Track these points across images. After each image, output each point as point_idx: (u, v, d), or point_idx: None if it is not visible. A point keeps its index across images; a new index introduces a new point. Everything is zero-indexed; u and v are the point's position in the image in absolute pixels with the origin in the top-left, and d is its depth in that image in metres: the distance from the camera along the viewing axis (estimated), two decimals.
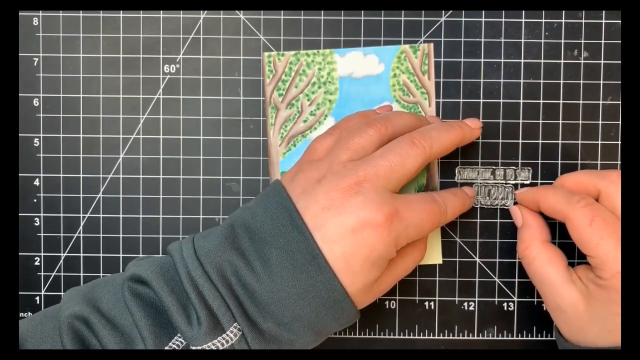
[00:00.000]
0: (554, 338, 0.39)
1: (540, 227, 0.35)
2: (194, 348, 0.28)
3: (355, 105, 0.39)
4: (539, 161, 0.38)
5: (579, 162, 0.38)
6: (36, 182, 0.39)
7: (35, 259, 0.39)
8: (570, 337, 0.33)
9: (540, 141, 0.38)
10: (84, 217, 0.39)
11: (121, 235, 0.39)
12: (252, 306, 0.29)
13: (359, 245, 0.29)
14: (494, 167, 0.39)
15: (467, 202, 0.36)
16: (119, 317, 0.29)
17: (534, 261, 0.34)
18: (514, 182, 0.38)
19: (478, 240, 0.39)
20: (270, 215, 0.31)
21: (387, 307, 0.39)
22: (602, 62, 0.38)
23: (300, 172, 0.32)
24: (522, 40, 0.38)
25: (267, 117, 0.39)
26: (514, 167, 0.38)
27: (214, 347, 0.28)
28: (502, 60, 0.38)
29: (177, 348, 0.29)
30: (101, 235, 0.39)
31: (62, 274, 0.39)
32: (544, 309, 0.39)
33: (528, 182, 0.38)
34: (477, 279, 0.39)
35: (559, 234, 0.38)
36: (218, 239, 0.30)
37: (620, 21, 0.38)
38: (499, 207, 0.39)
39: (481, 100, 0.38)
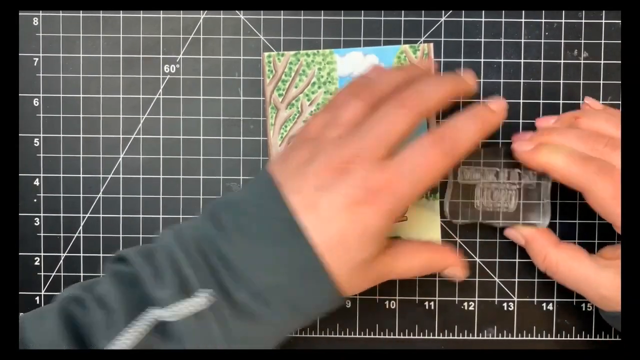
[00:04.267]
0: (553, 338, 0.39)
1: (545, 234, 0.35)
2: (166, 315, 0.28)
3: None
4: None
5: None
6: (36, 182, 0.39)
7: (35, 259, 0.39)
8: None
9: None
10: (84, 217, 0.39)
11: (121, 235, 0.39)
12: (225, 273, 0.29)
13: (352, 222, 0.29)
14: (497, 169, 0.38)
15: (488, 119, 0.32)
16: (105, 295, 0.30)
17: (558, 266, 0.33)
18: (517, 183, 0.38)
19: (478, 240, 0.39)
20: (251, 190, 0.31)
21: (387, 307, 0.39)
22: (602, 62, 0.38)
23: (293, 150, 0.32)
24: (522, 41, 0.38)
25: (267, 117, 0.39)
26: (518, 170, 0.38)
27: (185, 311, 0.28)
28: (502, 60, 0.38)
29: (148, 324, 0.28)
30: (101, 235, 0.39)
31: (62, 274, 0.39)
32: (543, 309, 0.39)
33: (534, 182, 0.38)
34: (477, 279, 0.39)
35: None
36: (199, 217, 0.31)
37: (620, 21, 0.38)
38: (501, 210, 0.38)
39: (481, 101, 0.38)
